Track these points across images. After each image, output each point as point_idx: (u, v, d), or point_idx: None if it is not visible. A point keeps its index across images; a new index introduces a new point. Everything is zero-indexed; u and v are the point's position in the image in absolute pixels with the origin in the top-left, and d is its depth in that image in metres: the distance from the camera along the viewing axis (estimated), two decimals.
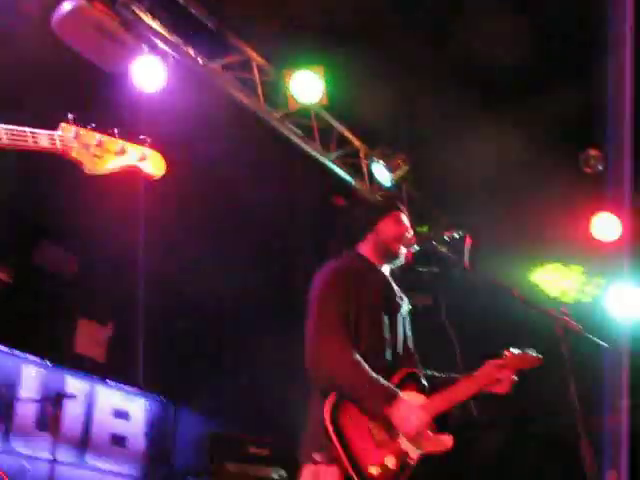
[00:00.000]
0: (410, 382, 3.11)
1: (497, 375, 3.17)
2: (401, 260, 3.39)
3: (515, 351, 3.20)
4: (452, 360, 3.43)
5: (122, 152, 2.46)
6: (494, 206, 5.60)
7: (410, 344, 3.38)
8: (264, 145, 5.62)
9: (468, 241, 3.12)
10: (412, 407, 2.93)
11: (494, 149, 5.62)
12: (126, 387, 7.47)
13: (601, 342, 2.96)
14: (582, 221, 5.87)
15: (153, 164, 2.51)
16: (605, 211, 5.68)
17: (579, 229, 5.85)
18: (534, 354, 3.22)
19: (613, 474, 4.38)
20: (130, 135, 2.48)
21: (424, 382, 3.15)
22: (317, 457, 2.85)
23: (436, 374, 3.33)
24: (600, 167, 5.67)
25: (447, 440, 3.01)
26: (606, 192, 5.57)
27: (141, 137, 2.49)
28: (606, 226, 5.71)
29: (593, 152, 5.72)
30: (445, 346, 3.33)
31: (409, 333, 3.39)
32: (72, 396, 5.93)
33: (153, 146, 2.51)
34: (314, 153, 5.44)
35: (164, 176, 2.52)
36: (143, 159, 2.49)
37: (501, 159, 5.61)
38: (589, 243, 5.78)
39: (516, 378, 3.18)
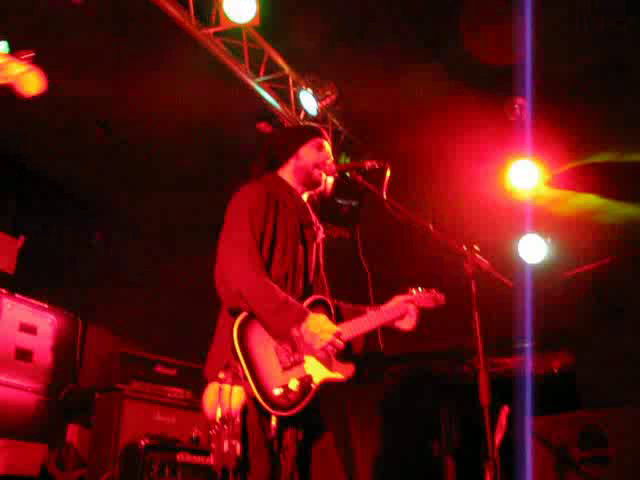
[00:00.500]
0: (319, 308, 3.14)
1: (403, 310, 3.25)
2: (321, 188, 3.38)
3: (421, 289, 3.30)
4: (364, 294, 3.49)
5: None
6: (415, 143, 5.63)
7: (322, 273, 3.41)
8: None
9: (388, 172, 3.13)
10: (322, 321, 2.97)
11: (419, 85, 5.65)
12: (34, 302, 7.34)
13: (508, 281, 3.04)
14: (500, 167, 5.97)
15: (30, 82, 2.37)
16: (523, 158, 5.77)
17: (497, 176, 5.97)
18: (439, 294, 3.33)
19: (505, 409, 4.56)
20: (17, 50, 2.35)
21: (332, 310, 3.19)
22: (221, 375, 2.86)
23: (345, 304, 3.38)
24: (524, 115, 5.75)
25: (350, 369, 3.07)
26: (526, 139, 5.66)
27: (24, 53, 2.35)
28: (524, 172, 5.83)
29: (519, 100, 5.79)
30: (358, 279, 3.38)
31: (321, 262, 3.41)
32: None
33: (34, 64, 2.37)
34: (242, 75, 5.32)
35: None
36: (20, 76, 2.35)
37: (424, 96, 5.66)
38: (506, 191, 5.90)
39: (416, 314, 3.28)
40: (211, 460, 2.76)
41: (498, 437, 4.34)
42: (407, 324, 3.27)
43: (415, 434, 5.98)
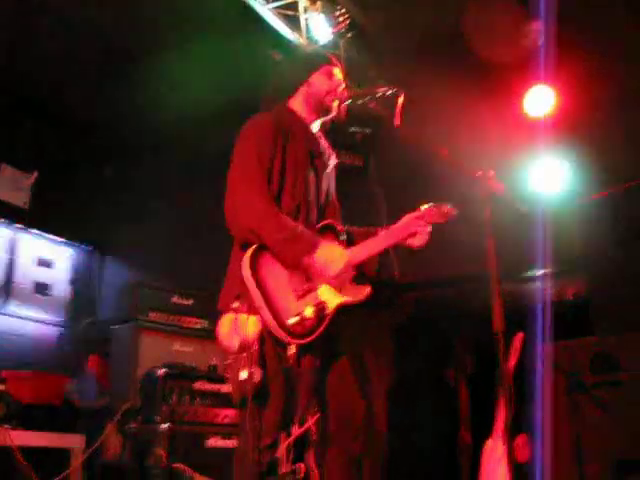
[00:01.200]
0: (329, 233, 3.15)
1: (414, 227, 3.23)
2: (333, 114, 3.34)
3: (431, 204, 3.27)
4: (378, 219, 3.48)
5: None
6: (429, 70, 5.53)
7: (334, 201, 3.40)
8: None
9: (401, 98, 3.08)
10: (333, 250, 2.97)
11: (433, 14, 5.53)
12: (50, 236, 7.41)
13: (524, 207, 3.02)
14: (515, 94, 5.88)
15: None
16: (540, 84, 5.67)
17: (512, 102, 5.87)
18: (449, 206, 3.29)
19: (519, 336, 4.59)
20: None
21: (343, 235, 3.18)
22: (236, 305, 2.89)
23: (356, 229, 3.38)
24: (539, 40, 5.62)
25: (365, 291, 3.09)
26: (540, 65, 5.54)
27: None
28: (539, 99, 5.73)
29: (534, 25, 5.65)
30: (372, 206, 3.38)
31: (333, 190, 3.40)
32: None
33: None
34: (252, 2, 5.22)
35: None
36: None
37: (438, 26, 5.55)
38: (520, 116, 5.81)
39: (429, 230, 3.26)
40: (228, 388, 2.82)
41: (511, 363, 4.39)
42: (419, 241, 3.25)
43: (429, 362, 6.05)
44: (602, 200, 4.91)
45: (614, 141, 5.33)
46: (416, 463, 5.80)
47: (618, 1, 5.25)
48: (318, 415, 2.98)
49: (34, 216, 7.21)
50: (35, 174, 7.22)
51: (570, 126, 5.49)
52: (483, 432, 5.22)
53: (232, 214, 2.99)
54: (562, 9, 5.08)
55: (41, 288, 7.24)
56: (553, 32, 5.17)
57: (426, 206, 3.27)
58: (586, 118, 5.39)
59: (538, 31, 5.55)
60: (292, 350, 2.86)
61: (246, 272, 2.86)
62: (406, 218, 3.26)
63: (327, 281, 2.98)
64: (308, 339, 2.88)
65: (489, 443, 4.54)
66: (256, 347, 2.81)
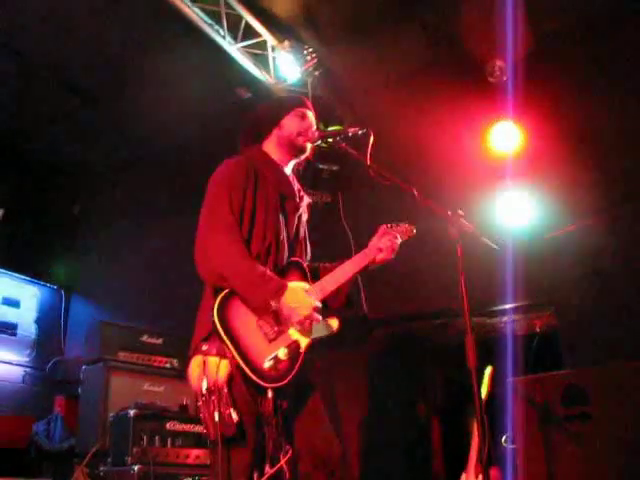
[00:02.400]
0: (295, 270, 3.16)
1: (378, 244, 3.29)
2: (307, 154, 3.38)
3: (390, 225, 3.36)
4: (348, 256, 3.51)
5: None
6: (397, 107, 5.61)
7: (304, 241, 3.42)
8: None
9: (371, 138, 3.13)
10: (299, 294, 2.98)
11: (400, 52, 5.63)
12: (16, 275, 7.32)
13: (493, 244, 3.06)
14: (481, 130, 5.97)
15: None
16: (505, 120, 5.77)
17: (477, 137, 5.97)
18: (407, 224, 3.38)
19: (490, 370, 4.63)
20: None
21: (307, 271, 3.20)
22: (204, 347, 2.88)
23: (324, 265, 3.41)
24: (504, 77, 5.74)
25: (334, 323, 3.09)
26: (507, 101, 5.65)
27: None
28: (505, 135, 5.83)
29: (498, 62, 5.77)
30: (341, 244, 3.40)
31: (303, 230, 3.42)
32: None
33: None
34: (220, 40, 5.26)
35: None
36: None
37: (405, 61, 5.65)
38: (486, 151, 5.90)
39: (398, 242, 3.33)
40: (204, 429, 2.79)
41: (483, 397, 4.42)
42: (385, 255, 3.31)
43: (400, 397, 6.05)
44: (568, 235, 4.99)
45: (578, 176, 5.44)
46: None
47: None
48: (290, 454, 2.95)
49: (0, 254, 7.13)
50: (1, 212, 7.15)
51: (535, 161, 5.59)
52: (456, 464, 5.25)
53: (202, 258, 2.99)
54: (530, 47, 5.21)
55: (7, 327, 7.13)
56: (519, 68, 5.28)
57: (386, 226, 3.36)
58: (551, 153, 5.49)
59: (502, 68, 5.68)
60: (269, 394, 2.85)
61: (216, 321, 2.85)
62: (369, 243, 3.34)
63: (293, 326, 2.97)
64: (284, 381, 2.87)
65: (463, 477, 4.56)
66: (225, 390, 2.80)
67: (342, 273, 3.22)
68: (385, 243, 3.32)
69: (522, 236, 5.50)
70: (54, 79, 6.15)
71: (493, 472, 4.59)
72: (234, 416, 2.76)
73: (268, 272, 2.96)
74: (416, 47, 5.56)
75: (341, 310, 3.22)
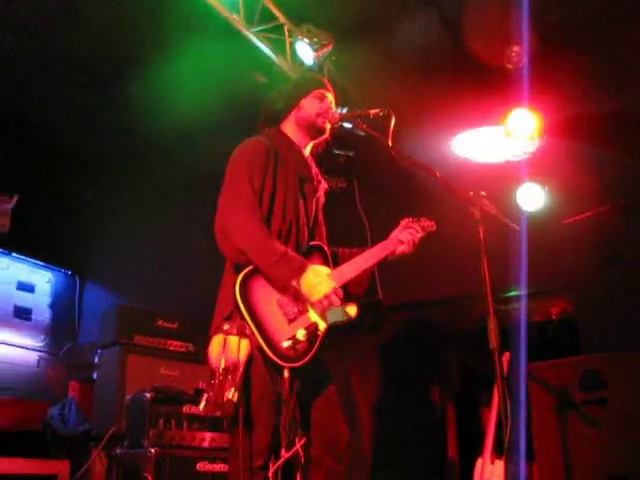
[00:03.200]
0: (316, 254, 3.17)
1: (397, 241, 3.30)
2: (326, 136, 3.39)
3: (410, 218, 3.38)
4: (363, 243, 3.52)
5: None
6: (416, 93, 5.59)
7: (322, 224, 3.42)
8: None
9: (392, 120, 3.12)
10: (320, 274, 2.99)
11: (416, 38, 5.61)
12: (31, 260, 7.37)
13: (515, 225, 3.06)
14: (498, 116, 5.95)
15: None
16: (521, 107, 5.74)
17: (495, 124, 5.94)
18: (429, 220, 3.41)
19: (506, 355, 4.63)
20: None
21: (329, 255, 3.21)
22: (226, 326, 2.89)
23: (343, 250, 3.42)
24: (522, 64, 5.71)
25: (353, 309, 3.10)
26: (524, 88, 5.62)
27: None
28: (522, 122, 5.80)
29: (516, 48, 5.73)
30: (356, 229, 3.41)
31: (321, 215, 3.43)
32: None
33: None
34: (237, 25, 5.25)
35: None
36: None
37: (425, 48, 5.63)
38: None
39: (419, 236, 3.35)
40: (201, 407, 2.81)
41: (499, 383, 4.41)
42: (405, 248, 3.33)
43: (415, 382, 6.06)
44: (585, 221, 4.97)
45: (594, 162, 5.42)
46: None
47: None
48: (305, 439, 2.97)
49: (14, 240, 7.16)
50: (16, 198, 7.17)
51: (552, 149, 5.57)
52: (471, 450, 5.25)
53: (223, 236, 3.00)
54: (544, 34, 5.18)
55: (21, 312, 7.18)
56: (535, 55, 5.25)
57: (408, 219, 3.37)
58: (567, 140, 5.47)
59: (519, 54, 5.64)
60: (286, 374, 2.86)
61: (237, 298, 2.86)
62: (390, 235, 3.36)
63: (312, 305, 2.98)
64: (301, 362, 2.89)
65: (479, 462, 4.56)
66: (242, 369, 2.81)
67: (362, 262, 3.23)
68: (406, 236, 3.33)
69: (539, 222, 5.49)
70: (69, 65, 6.16)
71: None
72: (236, 397, 2.77)
73: (289, 251, 2.97)
74: (433, 31, 5.52)
75: (359, 297, 3.23)
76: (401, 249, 3.32)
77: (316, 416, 3.06)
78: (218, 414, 2.80)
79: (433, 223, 3.48)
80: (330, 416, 3.08)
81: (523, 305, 5.19)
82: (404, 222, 3.41)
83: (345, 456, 3.05)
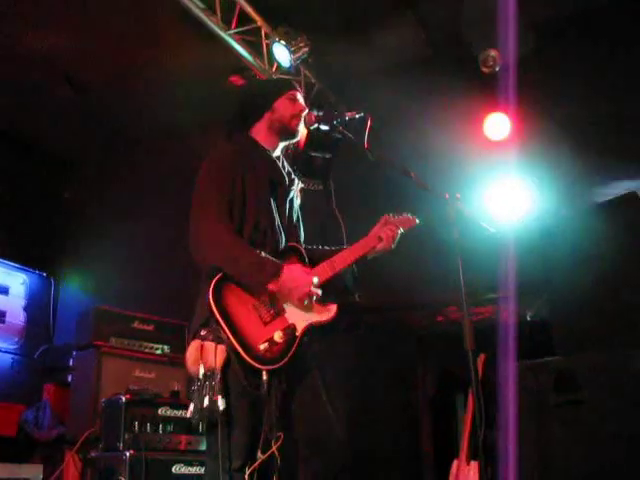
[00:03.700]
0: (292, 255, 3.17)
1: (379, 233, 3.31)
2: (298, 138, 3.38)
3: (392, 214, 3.38)
4: (339, 241, 3.52)
5: None
6: (392, 97, 5.61)
7: (298, 225, 3.42)
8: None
9: (369, 122, 3.13)
10: (298, 272, 2.99)
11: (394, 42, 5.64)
12: (5, 261, 7.29)
13: (490, 228, 3.08)
14: (476, 120, 5.98)
15: None
16: (498, 111, 5.78)
17: (473, 128, 5.98)
18: (409, 215, 3.41)
19: (481, 357, 4.65)
20: None
21: (305, 256, 3.21)
22: (203, 332, 2.88)
23: (319, 250, 3.42)
24: (497, 68, 5.74)
25: (332, 309, 3.10)
26: (499, 93, 5.66)
27: None
28: (497, 125, 5.84)
29: (492, 52, 5.77)
30: (332, 230, 3.41)
31: (296, 215, 3.42)
32: None
33: None
34: (214, 27, 5.24)
35: None
36: None
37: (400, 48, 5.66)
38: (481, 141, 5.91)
39: (399, 232, 3.35)
40: (189, 414, 2.80)
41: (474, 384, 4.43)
42: (385, 244, 3.34)
43: (391, 384, 6.06)
44: (563, 221, 4.99)
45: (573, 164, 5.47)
46: None
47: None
48: (281, 441, 2.96)
49: None
50: None
51: (529, 151, 5.61)
52: (446, 452, 5.27)
53: (196, 246, 2.99)
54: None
55: None
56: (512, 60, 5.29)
57: (387, 216, 3.39)
58: (544, 142, 5.52)
59: (496, 58, 5.68)
60: (265, 376, 2.86)
61: (211, 304, 2.87)
62: (370, 232, 3.36)
63: (294, 304, 2.98)
64: (279, 364, 2.89)
65: (455, 464, 4.58)
66: (219, 376, 2.80)
67: (341, 259, 3.23)
68: (386, 232, 3.34)
69: (516, 224, 5.53)
70: (48, 67, 6.11)
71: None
72: (220, 403, 2.77)
73: (262, 255, 2.97)
74: (411, 35, 5.56)
75: (337, 296, 3.23)
76: (381, 245, 3.33)
77: (302, 416, 3.06)
78: (199, 420, 2.79)
79: (414, 218, 3.48)
80: (318, 415, 3.07)
81: (499, 307, 5.22)
82: (384, 218, 3.42)
83: (336, 458, 3.04)
